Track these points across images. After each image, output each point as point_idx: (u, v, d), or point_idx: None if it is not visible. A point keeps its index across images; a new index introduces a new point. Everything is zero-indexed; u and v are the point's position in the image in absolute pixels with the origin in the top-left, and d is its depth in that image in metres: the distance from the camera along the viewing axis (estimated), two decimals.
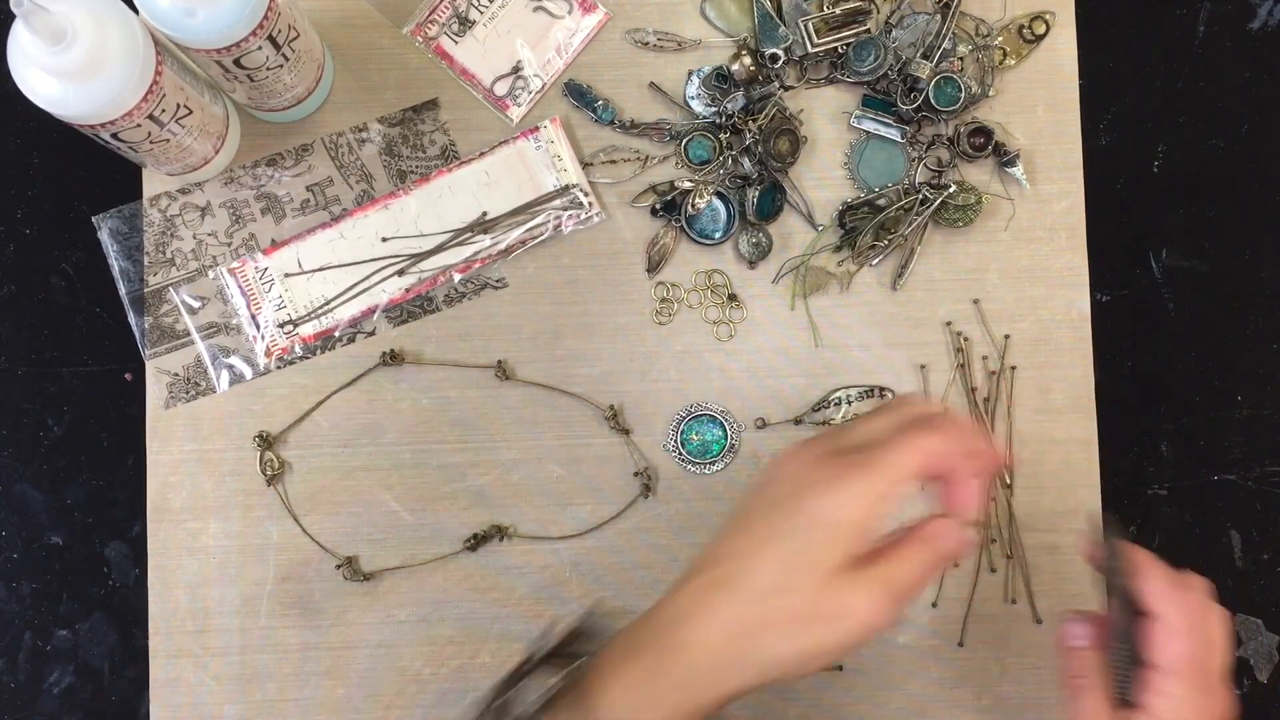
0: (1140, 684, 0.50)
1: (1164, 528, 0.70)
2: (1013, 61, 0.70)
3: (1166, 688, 0.49)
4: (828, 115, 0.70)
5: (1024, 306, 0.69)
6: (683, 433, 0.68)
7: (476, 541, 0.67)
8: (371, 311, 0.68)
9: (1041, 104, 0.70)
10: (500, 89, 0.69)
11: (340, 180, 0.68)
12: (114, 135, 0.57)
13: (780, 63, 0.68)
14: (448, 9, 0.69)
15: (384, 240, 0.68)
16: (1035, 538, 0.68)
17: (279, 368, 0.68)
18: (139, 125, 0.57)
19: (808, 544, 0.45)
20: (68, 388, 0.68)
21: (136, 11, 0.55)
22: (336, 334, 0.68)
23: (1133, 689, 0.51)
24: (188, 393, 0.67)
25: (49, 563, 0.67)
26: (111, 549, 0.67)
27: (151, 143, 0.59)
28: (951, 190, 0.68)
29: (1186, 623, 0.50)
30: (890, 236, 0.68)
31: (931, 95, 0.68)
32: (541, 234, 0.68)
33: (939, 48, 0.68)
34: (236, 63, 0.58)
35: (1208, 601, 0.52)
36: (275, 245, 0.68)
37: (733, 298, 0.69)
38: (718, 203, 0.69)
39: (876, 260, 0.69)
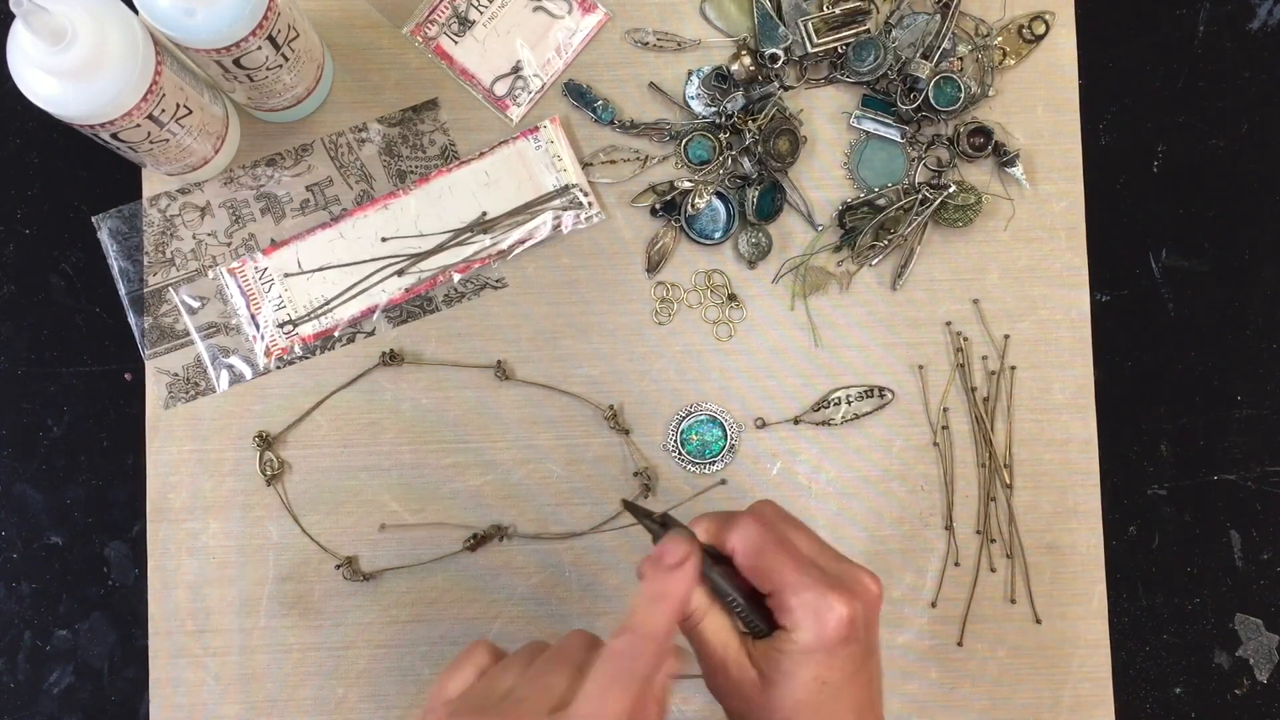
0: (776, 610, 0.48)
1: (1164, 528, 0.70)
2: (1012, 61, 0.70)
3: (794, 601, 0.47)
4: (827, 115, 0.70)
5: (1024, 306, 0.69)
6: (682, 433, 0.68)
7: (476, 541, 0.67)
8: (371, 311, 0.68)
9: (1041, 104, 0.70)
10: (500, 89, 0.69)
11: (340, 180, 0.68)
12: (114, 135, 0.57)
13: (780, 63, 0.68)
14: (447, 9, 0.69)
15: (384, 240, 0.68)
16: (1035, 538, 0.68)
17: (279, 368, 0.68)
18: (139, 125, 0.57)
19: None
20: (68, 388, 0.68)
21: (136, 11, 0.55)
22: (336, 334, 0.68)
23: (771, 619, 0.49)
24: (187, 393, 0.67)
25: (49, 563, 0.67)
26: (111, 549, 0.67)
27: (151, 143, 0.59)
28: (951, 190, 0.68)
29: (757, 541, 0.48)
30: (890, 236, 0.68)
31: (931, 95, 0.68)
32: (541, 234, 0.68)
33: (939, 48, 0.68)
34: (236, 63, 0.58)
35: (765, 518, 0.50)
36: (275, 245, 0.68)
37: (732, 298, 0.69)
38: (717, 203, 0.69)
39: (876, 260, 0.69)
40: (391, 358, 0.67)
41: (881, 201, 0.69)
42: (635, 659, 0.44)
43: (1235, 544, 0.70)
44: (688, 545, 0.47)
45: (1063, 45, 0.70)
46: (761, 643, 0.49)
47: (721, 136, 0.69)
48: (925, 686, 0.68)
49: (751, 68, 0.68)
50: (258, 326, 0.67)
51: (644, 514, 0.50)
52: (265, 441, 0.67)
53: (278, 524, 0.67)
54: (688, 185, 0.68)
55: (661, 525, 0.49)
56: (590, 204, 0.68)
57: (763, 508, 0.51)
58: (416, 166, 0.68)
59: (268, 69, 0.60)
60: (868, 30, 0.68)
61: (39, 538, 0.67)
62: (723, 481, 0.67)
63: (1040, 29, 0.70)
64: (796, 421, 0.69)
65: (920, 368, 0.69)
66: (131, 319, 0.67)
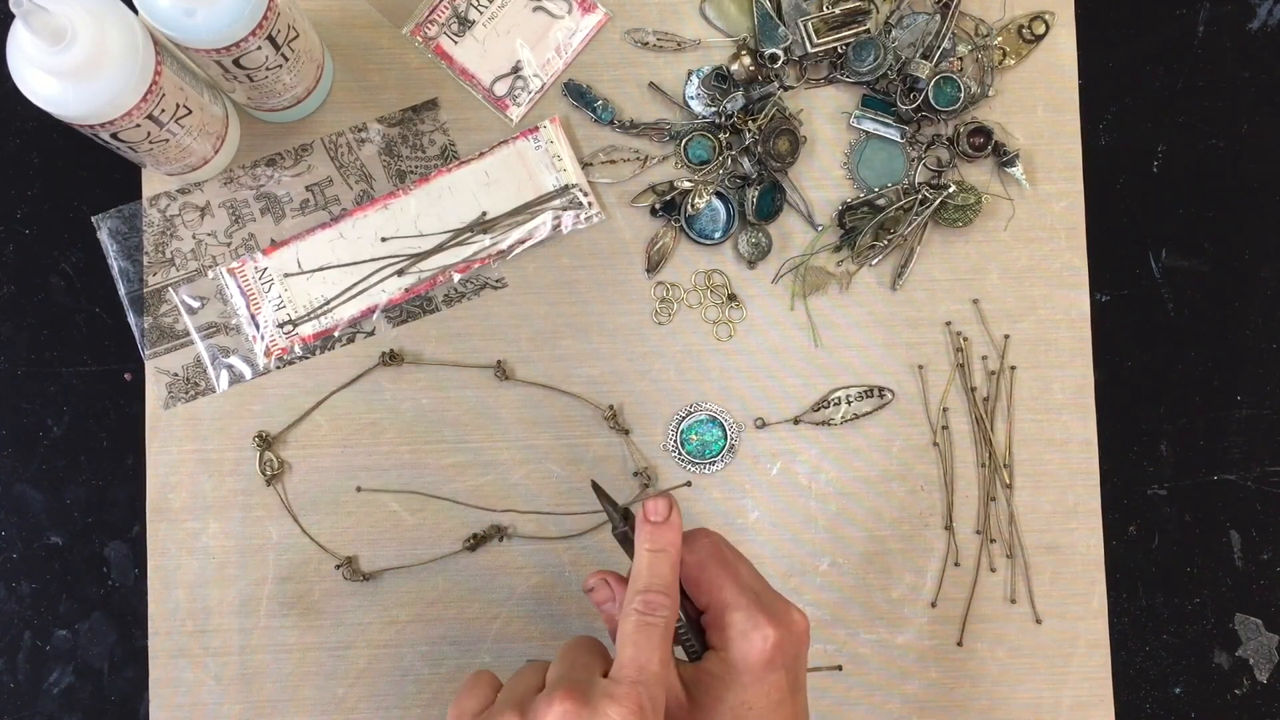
0: (708, 628, 0.50)
1: (1164, 528, 0.70)
2: (1012, 61, 0.70)
3: (728, 619, 0.49)
4: (827, 115, 0.70)
5: (1024, 306, 0.69)
6: (682, 433, 0.68)
7: (476, 541, 0.67)
8: (371, 311, 0.68)
9: (1041, 104, 0.70)
10: (500, 89, 0.69)
11: (340, 180, 0.68)
12: (114, 135, 0.57)
13: (780, 63, 0.68)
14: (447, 9, 0.69)
15: (383, 240, 0.68)
16: (1035, 538, 0.68)
17: (278, 368, 0.68)
18: (138, 125, 0.57)
19: None
20: (68, 388, 0.68)
21: (136, 11, 0.55)
22: (336, 334, 0.68)
23: (705, 639, 0.51)
24: (187, 393, 0.67)
25: (49, 563, 0.67)
26: (111, 549, 0.67)
27: (151, 143, 0.59)
28: (951, 190, 0.68)
29: (704, 555, 0.50)
30: (890, 236, 0.68)
31: (931, 95, 0.68)
32: (541, 234, 0.68)
33: (939, 48, 0.68)
34: (236, 63, 0.58)
35: (715, 535, 0.52)
36: (275, 245, 0.68)
37: (732, 298, 0.69)
38: (717, 203, 0.69)
39: (876, 260, 0.69)
40: (391, 358, 0.67)
41: (881, 201, 0.69)
42: (658, 609, 0.47)
43: (1235, 544, 0.70)
44: (668, 501, 0.50)
45: (1063, 45, 0.70)
46: (690, 665, 0.50)
47: (721, 136, 0.69)
48: (925, 686, 0.68)
49: (751, 68, 0.68)
50: (258, 326, 0.67)
51: (608, 499, 0.52)
52: (265, 441, 0.67)
53: (278, 524, 0.67)
54: (688, 185, 0.68)
55: (623, 517, 0.52)
56: (590, 204, 0.68)
57: (710, 531, 0.53)
58: (416, 166, 0.68)
59: (268, 69, 0.60)
60: (868, 30, 0.68)
61: (39, 538, 0.67)
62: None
63: (1040, 29, 0.70)
64: (796, 422, 0.69)
65: (920, 368, 0.69)
66: (131, 319, 0.67)
